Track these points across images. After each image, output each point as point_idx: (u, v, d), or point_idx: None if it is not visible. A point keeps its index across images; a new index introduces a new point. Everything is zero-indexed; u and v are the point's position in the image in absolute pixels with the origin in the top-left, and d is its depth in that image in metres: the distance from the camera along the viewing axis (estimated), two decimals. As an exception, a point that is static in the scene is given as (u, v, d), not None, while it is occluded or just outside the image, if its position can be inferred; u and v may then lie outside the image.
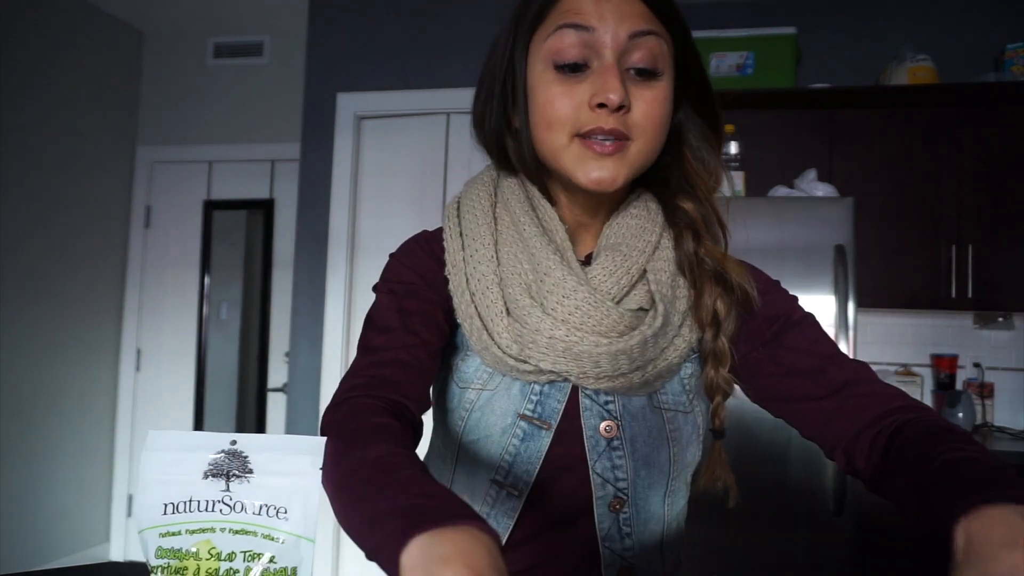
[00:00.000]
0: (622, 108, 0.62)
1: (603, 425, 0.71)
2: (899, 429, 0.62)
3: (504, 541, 0.72)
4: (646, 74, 0.64)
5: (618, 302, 0.69)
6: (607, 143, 0.63)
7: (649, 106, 0.64)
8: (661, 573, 0.78)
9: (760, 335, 0.74)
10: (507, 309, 0.69)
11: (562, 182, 0.71)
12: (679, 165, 0.73)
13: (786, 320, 0.75)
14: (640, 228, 0.71)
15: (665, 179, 0.74)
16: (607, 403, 0.71)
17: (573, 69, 0.64)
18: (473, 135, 0.75)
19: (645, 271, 0.70)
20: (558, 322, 0.65)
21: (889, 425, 0.63)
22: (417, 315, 0.71)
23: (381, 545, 0.44)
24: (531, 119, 0.67)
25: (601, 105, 0.62)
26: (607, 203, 0.73)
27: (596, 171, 0.64)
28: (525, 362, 0.68)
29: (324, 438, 0.55)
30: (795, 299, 0.79)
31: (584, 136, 0.64)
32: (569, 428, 0.71)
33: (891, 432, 0.62)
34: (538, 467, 0.71)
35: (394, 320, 0.70)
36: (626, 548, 0.74)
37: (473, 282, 0.70)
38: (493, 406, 0.72)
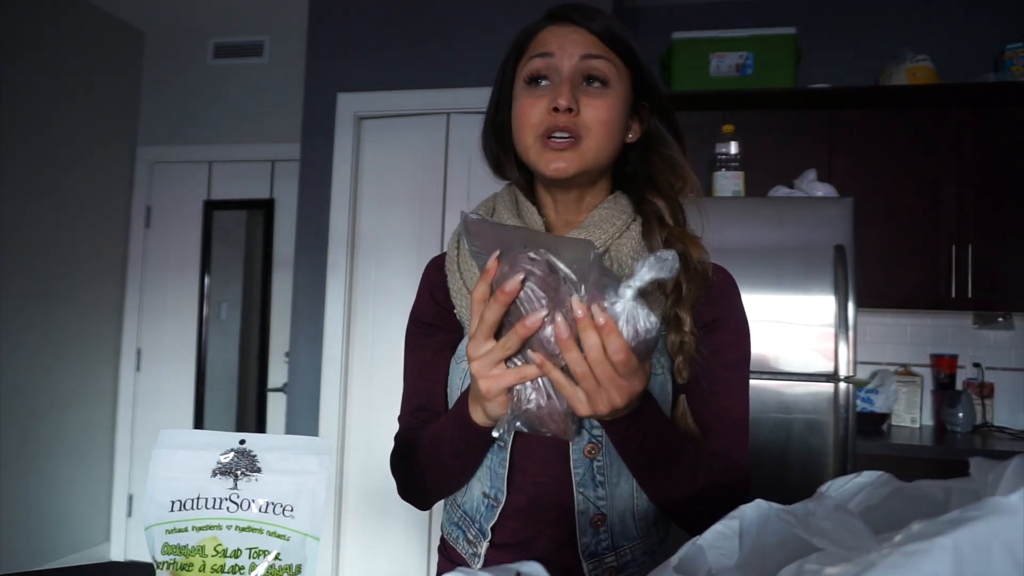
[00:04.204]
0: (571, 111, 0.79)
1: None
2: None
3: (503, 495, 0.85)
4: (596, 85, 0.81)
5: None
6: (562, 141, 0.80)
7: (597, 110, 0.80)
8: (636, 539, 0.85)
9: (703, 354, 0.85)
10: None
11: (543, 183, 0.87)
12: (648, 167, 0.90)
13: (722, 366, 0.86)
14: (609, 215, 0.85)
15: (638, 179, 0.90)
16: None
17: (540, 87, 0.82)
18: (480, 149, 0.94)
19: (609, 249, 0.84)
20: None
21: None
22: (428, 350, 0.93)
23: (464, 441, 0.78)
24: (513, 127, 0.85)
25: (556, 109, 0.79)
26: (588, 204, 0.88)
27: (554, 163, 0.80)
28: None
29: (331, 439, 0.57)
30: (745, 341, 0.89)
31: (545, 136, 0.80)
32: None
33: None
34: None
35: (413, 368, 0.94)
36: (599, 497, 0.83)
37: (463, 265, 0.88)
38: None
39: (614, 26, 0.82)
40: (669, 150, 0.89)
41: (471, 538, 0.89)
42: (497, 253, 0.62)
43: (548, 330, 0.60)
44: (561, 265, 0.60)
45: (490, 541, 0.87)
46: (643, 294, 0.59)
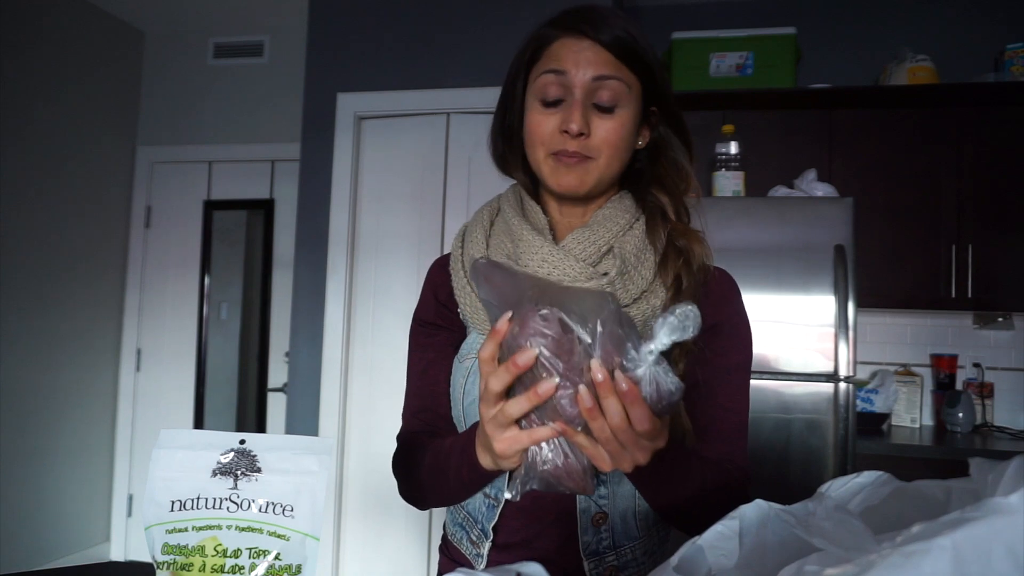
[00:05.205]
0: (582, 135, 0.80)
1: None
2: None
3: (503, 495, 0.85)
4: (606, 108, 0.81)
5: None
6: (572, 159, 0.82)
7: (607, 133, 0.81)
8: (637, 539, 0.86)
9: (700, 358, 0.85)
10: None
11: (548, 191, 0.88)
12: (655, 168, 0.90)
13: (721, 370, 0.86)
14: (613, 214, 0.86)
15: (644, 177, 0.91)
16: None
17: (552, 104, 0.82)
18: (488, 147, 0.94)
19: (613, 247, 0.84)
20: (529, 271, 0.81)
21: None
22: (431, 350, 0.94)
23: (470, 476, 0.75)
24: (524, 137, 0.86)
25: (566, 132, 0.80)
26: (594, 206, 0.89)
27: (564, 180, 0.83)
28: None
29: (331, 439, 0.58)
30: (745, 345, 0.90)
31: (556, 154, 0.82)
32: None
33: None
34: None
35: (416, 368, 0.95)
36: (600, 496, 0.84)
37: (467, 264, 0.88)
38: None
39: (626, 37, 0.82)
40: (675, 153, 0.90)
41: (474, 538, 0.89)
42: (509, 315, 0.60)
43: (564, 395, 0.58)
44: (575, 326, 0.58)
45: (492, 541, 0.87)
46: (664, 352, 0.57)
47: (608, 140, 0.81)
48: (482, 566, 0.87)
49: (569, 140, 0.80)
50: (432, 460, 0.84)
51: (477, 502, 0.89)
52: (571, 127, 0.79)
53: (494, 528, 0.87)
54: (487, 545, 0.87)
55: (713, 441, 0.85)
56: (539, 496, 0.84)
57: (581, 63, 0.80)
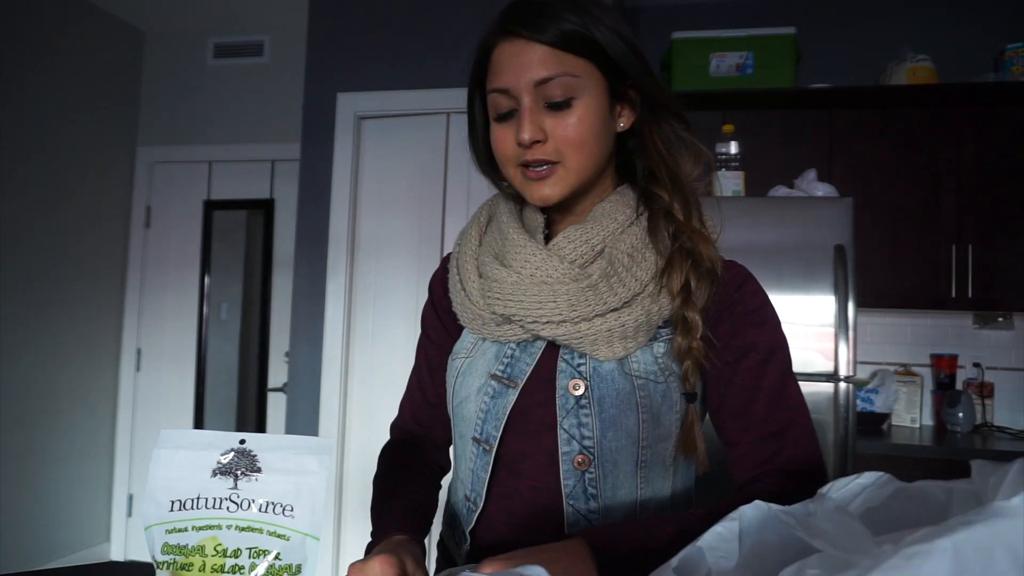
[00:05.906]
0: (537, 142, 0.77)
1: (571, 383, 0.78)
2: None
3: (481, 500, 0.83)
4: (558, 106, 0.77)
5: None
6: (541, 169, 0.78)
7: (565, 131, 0.77)
8: None
9: (723, 352, 0.80)
10: (480, 274, 0.85)
11: None
12: (646, 156, 0.84)
13: (749, 351, 0.81)
14: (611, 210, 0.82)
15: (646, 171, 0.86)
16: (579, 365, 0.79)
17: (506, 117, 0.79)
18: (473, 163, 0.92)
19: (606, 247, 0.80)
20: (512, 272, 0.80)
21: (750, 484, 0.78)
22: (431, 356, 0.95)
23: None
24: (495, 155, 0.83)
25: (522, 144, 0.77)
26: (592, 200, 0.85)
27: (537, 191, 0.79)
28: (490, 314, 0.81)
29: (331, 439, 0.57)
30: (772, 324, 0.85)
31: (524, 166, 0.79)
32: (543, 388, 0.80)
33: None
34: (504, 422, 0.80)
35: (416, 375, 0.97)
36: (591, 510, 0.78)
37: (460, 262, 0.88)
38: (472, 370, 0.85)
39: (566, 26, 0.75)
40: (669, 125, 0.83)
41: (457, 539, 0.88)
42: None
43: None
44: None
45: (471, 544, 0.84)
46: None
47: (568, 138, 0.77)
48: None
49: (527, 151, 0.77)
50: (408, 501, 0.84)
51: (459, 504, 0.87)
52: (522, 138, 0.76)
53: (472, 532, 0.84)
54: (465, 547, 0.85)
55: (750, 439, 0.78)
56: (526, 503, 0.81)
57: (520, 70, 0.76)
